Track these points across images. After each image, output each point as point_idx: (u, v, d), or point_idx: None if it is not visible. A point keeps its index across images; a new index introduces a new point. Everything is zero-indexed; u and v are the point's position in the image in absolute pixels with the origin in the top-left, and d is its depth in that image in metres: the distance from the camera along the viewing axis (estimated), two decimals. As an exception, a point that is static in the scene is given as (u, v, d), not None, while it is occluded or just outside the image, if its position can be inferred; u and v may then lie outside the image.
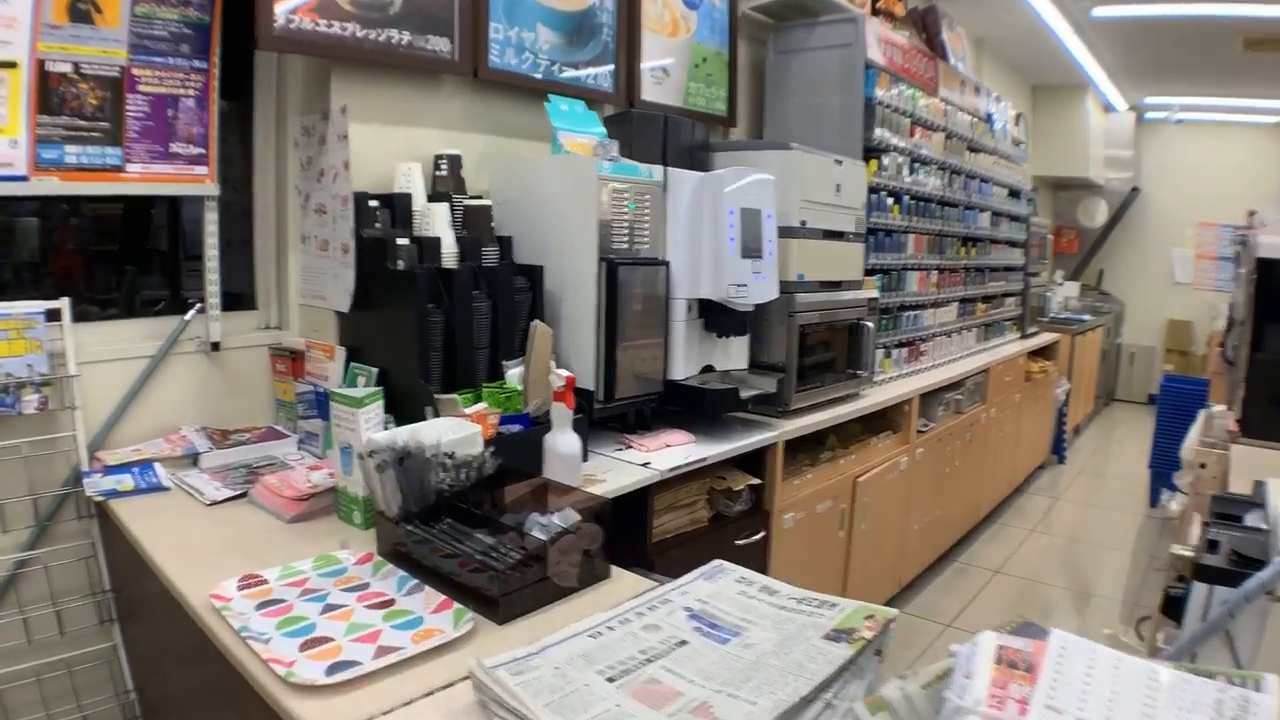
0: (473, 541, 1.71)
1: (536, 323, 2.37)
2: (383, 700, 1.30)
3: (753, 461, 2.88)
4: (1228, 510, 1.87)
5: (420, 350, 2.24)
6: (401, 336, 2.27)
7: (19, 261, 3.08)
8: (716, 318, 2.81)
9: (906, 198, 4.23)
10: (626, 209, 2.55)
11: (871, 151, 3.89)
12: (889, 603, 3.85)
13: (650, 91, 3.40)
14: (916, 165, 4.32)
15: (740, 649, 1.24)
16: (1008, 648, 0.96)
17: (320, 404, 2.40)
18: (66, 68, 2.27)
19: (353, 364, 2.38)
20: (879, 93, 3.94)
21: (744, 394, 2.84)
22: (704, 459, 2.60)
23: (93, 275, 2.96)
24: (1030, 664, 0.94)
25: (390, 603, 1.57)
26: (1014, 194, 5.87)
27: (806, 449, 3.32)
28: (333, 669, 1.36)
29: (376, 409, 2.02)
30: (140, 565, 1.91)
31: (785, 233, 2.98)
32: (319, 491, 2.07)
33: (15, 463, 2.24)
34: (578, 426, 2.23)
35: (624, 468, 2.43)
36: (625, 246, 2.56)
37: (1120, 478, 6.79)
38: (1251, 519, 1.81)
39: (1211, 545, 1.65)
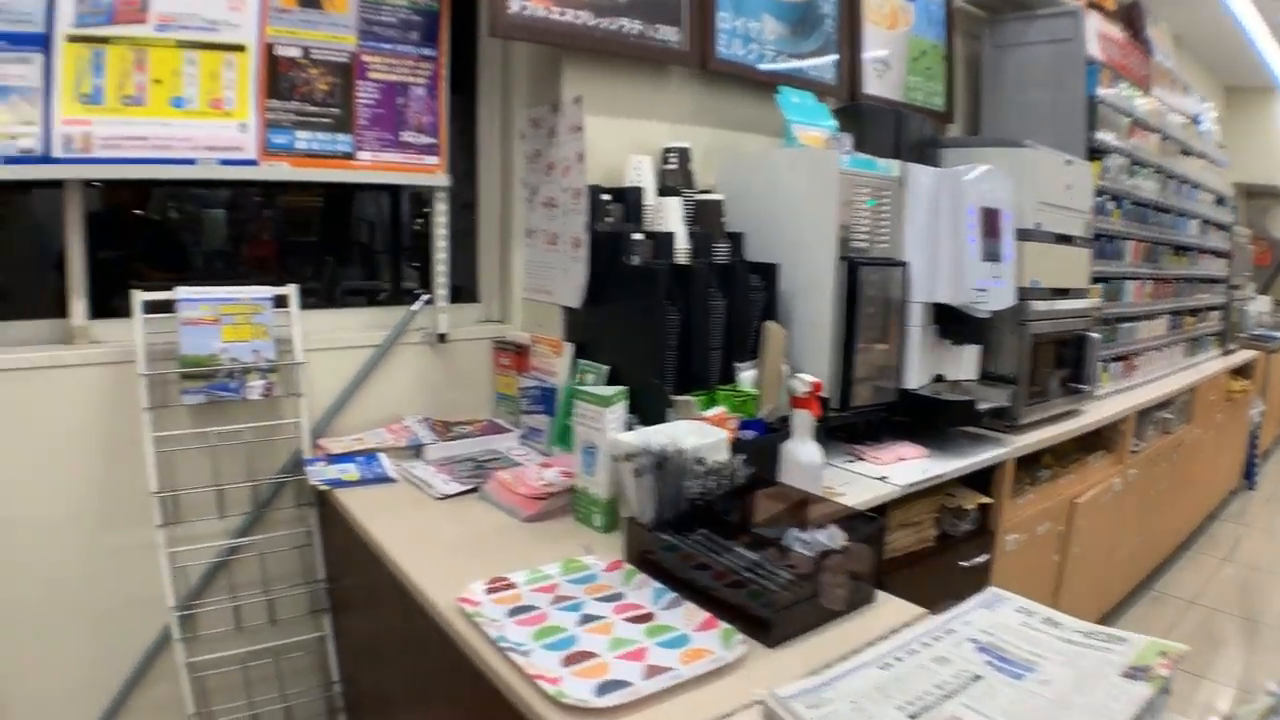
0: (733, 555, 1.58)
1: (771, 323, 2.25)
2: (661, 728, 1.20)
3: (976, 479, 2.69)
4: None
5: (657, 349, 2.12)
6: (636, 334, 2.17)
7: (210, 250, 3.10)
8: (952, 324, 2.63)
9: (1126, 202, 3.95)
10: (865, 206, 2.40)
11: (1093, 152, 3.65)
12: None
13: (871, 84, 3.24)
14: (1135, 168, 4.04)
15: (1037, 685, 1.15)
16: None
17: (546, 399, 2.33)
18: (296, 52, 2.25)
19: (580, 360, 2.29)
20: (1100, 90, 3.68)
21: (979, 407, 2.65)
22: (940, 475, 2.44)
23: (287, 265, 2.94)
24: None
25: (649, 616, 1.47)
26: (1220, 201, 5.50)
27: (1023, 467, 3.10)
28: (603, 689, 1.26)
29: (622, 409, 1.92)
30: (363, 557, 1.87)
31: (1020, 235, 2.77)
32: (556, 491, 1.97)
33: (237, 448, 2.23)
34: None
35: (859, 481, 2.29)
36: (864, 245, 2.40)
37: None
38: None
39: None
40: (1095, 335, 3.24)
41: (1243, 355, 6.12)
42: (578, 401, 1.92)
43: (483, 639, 1.37)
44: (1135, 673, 1.13)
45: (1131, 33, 5.01)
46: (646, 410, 2.05)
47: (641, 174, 2.41)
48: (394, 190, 2.75)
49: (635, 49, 2.52)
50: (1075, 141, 3.62)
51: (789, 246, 2.43)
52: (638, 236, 2.22)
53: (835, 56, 3.10)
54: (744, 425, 2.14)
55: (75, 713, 2.23)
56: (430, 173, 2.41)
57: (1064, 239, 3.14)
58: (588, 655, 1.33)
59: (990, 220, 2.58)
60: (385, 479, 2.14)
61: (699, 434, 1.88)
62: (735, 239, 2.43)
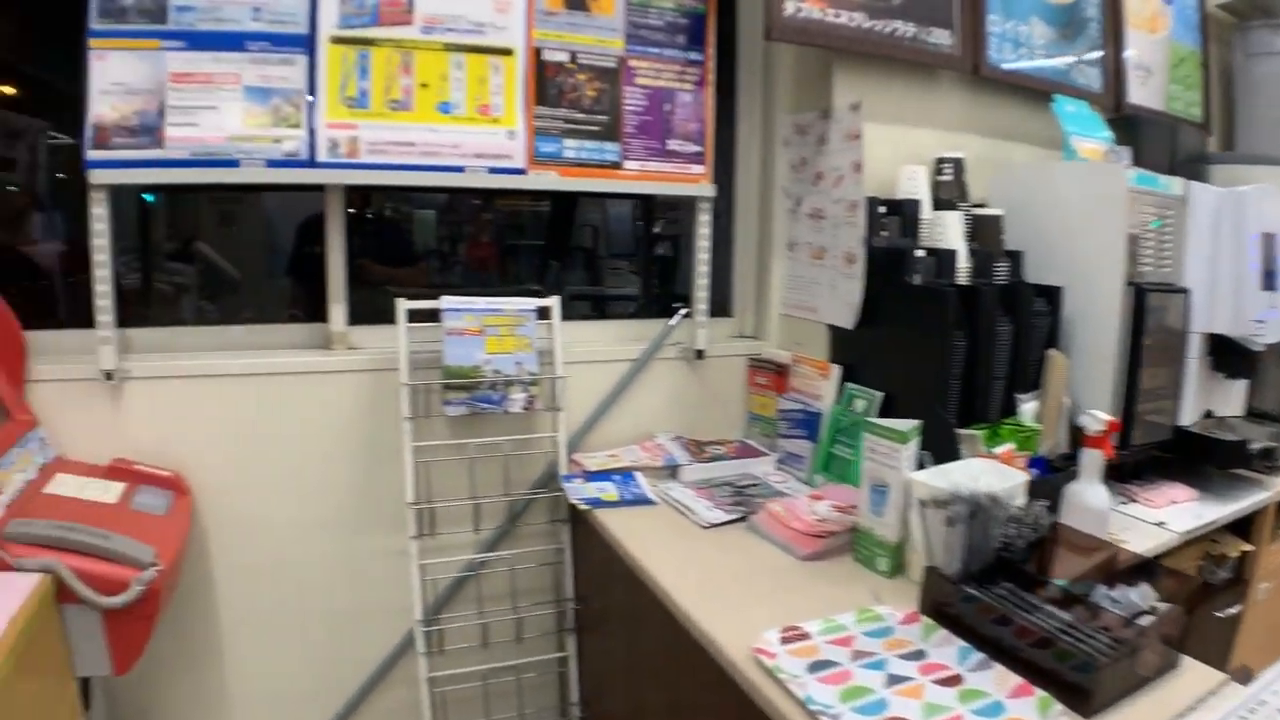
0: (1043, 614, 1.43)
1: (1054, 352, 2.08)
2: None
3: (1235, 523, 2.46)
4: None
5: (941, 377, 1.97)
6: (917, 360, 2.02)
7: (428, 250, 3.08)
8: (1227, 356, 2.40)
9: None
10: (1150, 227, 2.20)
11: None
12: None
13: (1135, 92, 3.02)
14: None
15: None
16: None
17: (808, 424, 2.20)
18: (563, 57, 2.17)
19: (848, 384, 2.14)
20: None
21: (1251, 447, 2.43)
22: (1214, 520, 2.23)
23: (506, 270, 2.88)
24: None
25: (957, 679, 1.34)
26: None
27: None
28: (929, 763, 1.11)
29: (916, 445, 1.77)
30: (623, 583, 1.80)
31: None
32: (836, 531, 1.83)
33: (492, 461, 2.16)
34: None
35: (1137, 526, 2.09)
36: (1148, 269, 2.20)
37: None
38: None
39: None
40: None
41: None
42: (869, 435, 1.78)
43: (786, 697, 1.27)
44: None
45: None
46: (930, 445, 1.89)
47: (916, 185, 2.25)
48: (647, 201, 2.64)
49: (909, 53, 2.37)
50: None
51: (1067, 268, 2.24)
52: (920, 253, 2.07)
53: (1100, 63, 2.89)
54: (1029, 464, 1.97)
55: (311, 713, 2.25)
56: (696, 182, 2.30)
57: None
58: (903, 724, 1.18)
59: (1270, 246, 2.36)
60: (645, 500, 2.06)
61: (997, 476, 1.72)
62: (1015, 258, 2.25)
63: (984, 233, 2.25)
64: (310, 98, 2.00)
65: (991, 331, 2.05)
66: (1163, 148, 2.61)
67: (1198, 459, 2.41)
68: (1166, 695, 1.33)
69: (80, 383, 2.01)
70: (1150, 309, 2.17)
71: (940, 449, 1.90)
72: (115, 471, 1.95)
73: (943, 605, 1.55)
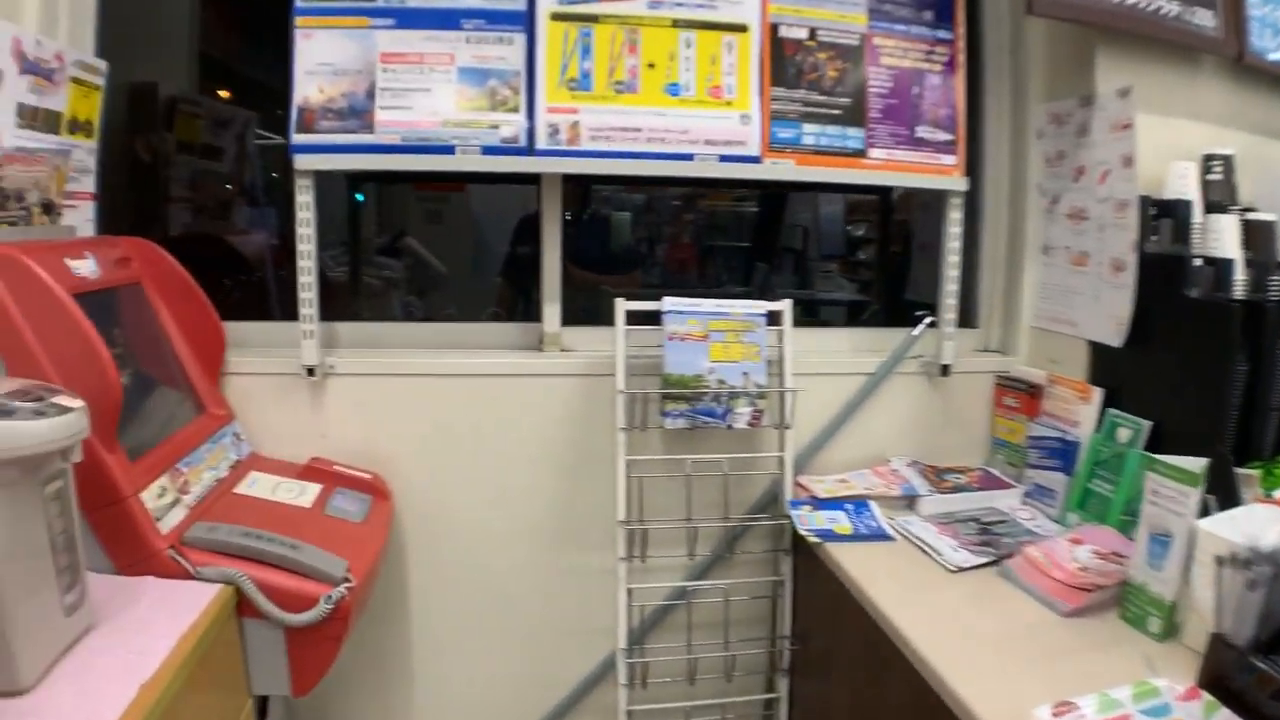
0: None
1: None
2: None
3: None
4: None
5: (1220, 407, 1.72)
6: (1193, 385, 1.77)
7: (623, 248, 2.95)
8: None
9: None
10: None
11: None
12: None
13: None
14: None
15: None
16: None
17: (1063, 454, 1.96)
18: (801, 33, 1.97)
19: (1110, 411, 1.91)
20: None
21: None
22: None
23: (706, 272, 2.70)
24: None
25: None
26: None
27: None
28: None
29: (1201, 489, 1.53)
30: (857, 628, 1.62)
31: None
32: (1103, 584, 1.61)
33: (710, 480, 1.98)
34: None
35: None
36: None
37: None
38: None
39: None
40: None
41: None
42: (1152, 474, 1.54)
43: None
44: None
45: None
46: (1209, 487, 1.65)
47: (1186, 185, 2.00)
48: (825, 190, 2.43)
49: (1172, 33, 2.10)
50: None
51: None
52: (1198, 262, 1.82)
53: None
54: (1309, 512, 1.71)
55: (503, 728, 2.11)
56: (947, 175, 2.07)
57: None
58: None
59: None
60: (882, 536, 1.86)
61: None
62: (1293, 269, 1.98)
63: (1256, 241, 1.98)
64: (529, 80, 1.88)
65: (1274, 354, 1.79)
66: None
67: None
68: None
69: (280, 377, 1.96)
70: None
71: (1221, 492, 1.65)
72: (312, 472, 1.89)
73: (1225, 679, 1.32)
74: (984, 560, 1.74)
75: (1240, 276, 1.87)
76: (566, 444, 2.04)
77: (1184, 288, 1.82)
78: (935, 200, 2.24)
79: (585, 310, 2.16)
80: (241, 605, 1.44)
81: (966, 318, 2.31)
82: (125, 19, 2.07)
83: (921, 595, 1.62)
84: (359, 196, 3.72)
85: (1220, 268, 1.84)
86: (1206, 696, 1.29)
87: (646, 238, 3.02)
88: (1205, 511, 1.52)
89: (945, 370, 2.16)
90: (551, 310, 2.08)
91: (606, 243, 2.90)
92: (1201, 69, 2.21)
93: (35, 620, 1.11)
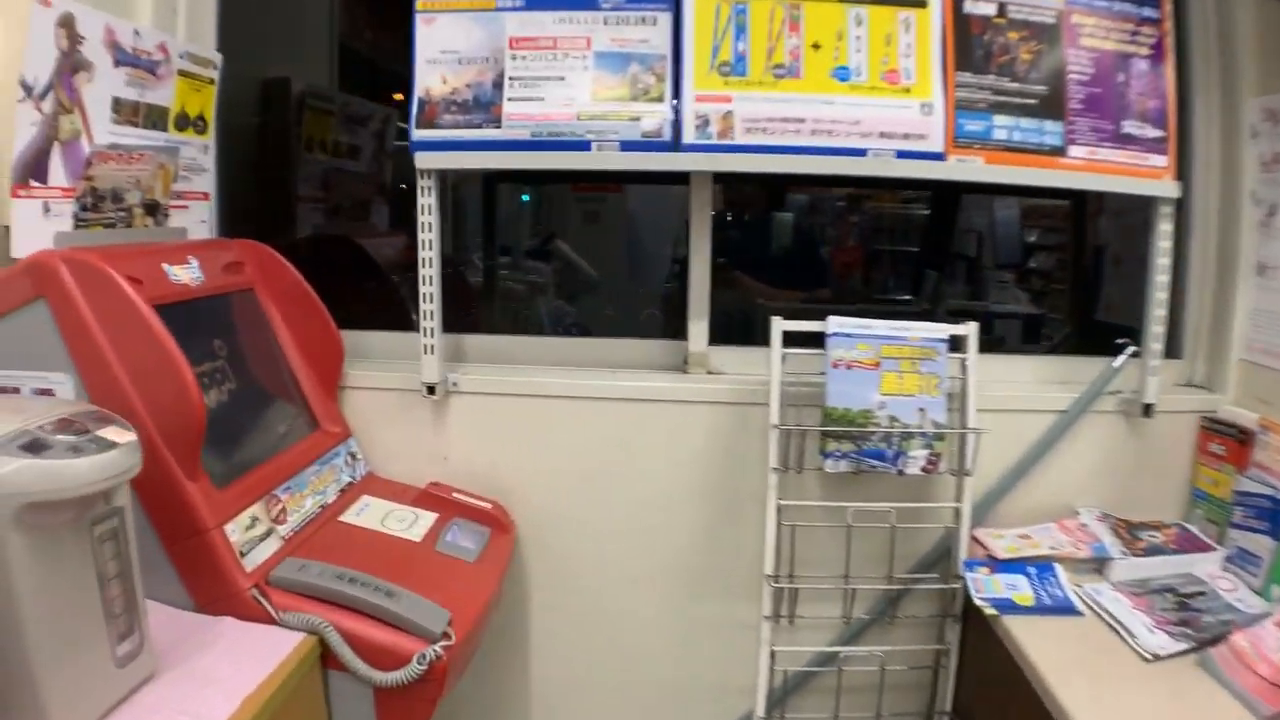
0: None
1: None
2: None
3: None
4: None
5: None
6: None
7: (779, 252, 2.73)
8: None
9: None
10: None
11: None
12: None
13: None
14: None
15: None
16: None
17: (1274, 516, 1.62)
18: (989, 9, 1.71)
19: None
20: None
21: None
22: None
23: (871, 279, 2.43)
24: None
25: None
26: None
27: None
28: None
29: None
30: (1028, 715, 1.38)
31: None
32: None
33: (873, 532, 1.71)
34: None
35: None
36: None
37: None
38: None
39: None
40: None
41: None
42: None
43: None
44: None
45: None
46: None
47: None
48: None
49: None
50: None
51: None
52: None
53: None
54: None
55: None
56: (1154, 177, 1.74)
57: None
58: None
59: None
60: (1068, 609, 1.58)
61: None
62: None
63: None
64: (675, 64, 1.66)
65: None
66: None
67: None
68: None
69: (400, 393, 1.85)
70: None
71: None
72: (428, 498, 1.76)
73: None
74: (1183, 647, 1.45)
75: None
76: (709, 480, 1.84)
77: None
78: (1132, 206, 1.94)
79: (745, 329, 1.94)
80: (327, 656, 1.31)
81: (1170, 346, 1.94)
82: (262, 11, 1.96)
83: (1112, 692, 1.35)
84: (524, 198, 3.63)
85: None
86: None
87: (808, 241, 2.80)
88: None
89: (1148, 410, 1.81)
90: (698, 328, 1.88)
91: (787, 249, 2.66)
92: None
93: (77, 675, 1.00)
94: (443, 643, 1.33)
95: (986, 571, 1.66)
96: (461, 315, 1.88)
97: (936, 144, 1.66)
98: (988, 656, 1.60)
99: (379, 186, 2.92)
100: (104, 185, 1.46)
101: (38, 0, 1.32)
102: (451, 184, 3.16)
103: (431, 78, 1.67)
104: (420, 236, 1.73)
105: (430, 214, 1.72)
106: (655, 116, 1.65)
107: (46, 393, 1.29)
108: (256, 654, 1.22)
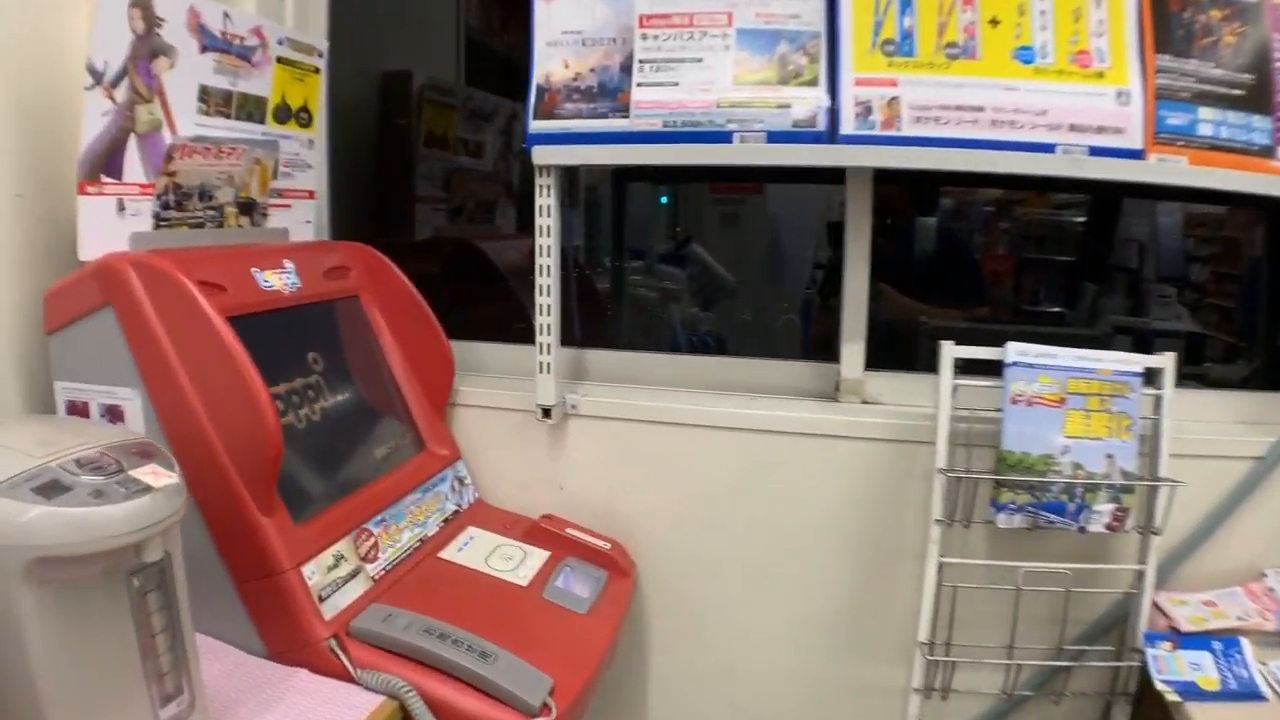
0: None
1: None
2: None
3: None
4: None
5: None
6: None
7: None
8: None
9: None
10: None
11: None
12: None
13: None
14: None
15: None
16: None
17: None
18: (1183, -16, 1.46)
19: None
20: None
21: None
22: None
23: (1020, 287, 2.20)
24: None
25: None
26: None
27: None
28: None
29: None
30: None
31: None
32: None
33: (1041, 596, 1.46)
34: None
35: None
36: None
37: None
38: None
39: None
40: None
41: None
42: None
43: None
44: None
45: None
46: None
47: None
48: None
49: None
50: None
51: None
52: None
53: None
54: None
55: None
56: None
57: None
58: None
59: None
60: (1253, 694, 1.33)
61: None
62: None
63: None
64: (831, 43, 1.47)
65: None
66: None
67: None
68: None
69: (513, 413, 1.72)
70: None
71: None
72: (540, 532, 1.63)
73: None
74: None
75: None
76: (859, 527, 1.64)
77: None
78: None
79: (879, 340, 1.72)
80: (408, 720, 1.18)
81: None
82: (386, 2, 1.83)
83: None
84: (663, 199, 3.49)
85: None
86: None
87: (961, 250, 2.58)
88: None
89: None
90: (852, 350, 1.67)
91: (937, 260, 2.42)
92: None
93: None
94: (542, 717, 1.18)
95: (1169, 647, 1.40)
96: (588, 326, 1.70)
97: (1135, 139, 1.40)
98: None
99: (505, 186, 2.79)
100: (189, 182, 1.35)
101: (106, -22, 1.21)
102: (586, 183, 3.01)
103: (552, 62, 1.53)
104: (538, 241, 1.60)
105: (549, 215, 1.58)
106: (808, 103, 1.45)
107: (114, 410, 1.20)
108: (326, 717, 1.10)
